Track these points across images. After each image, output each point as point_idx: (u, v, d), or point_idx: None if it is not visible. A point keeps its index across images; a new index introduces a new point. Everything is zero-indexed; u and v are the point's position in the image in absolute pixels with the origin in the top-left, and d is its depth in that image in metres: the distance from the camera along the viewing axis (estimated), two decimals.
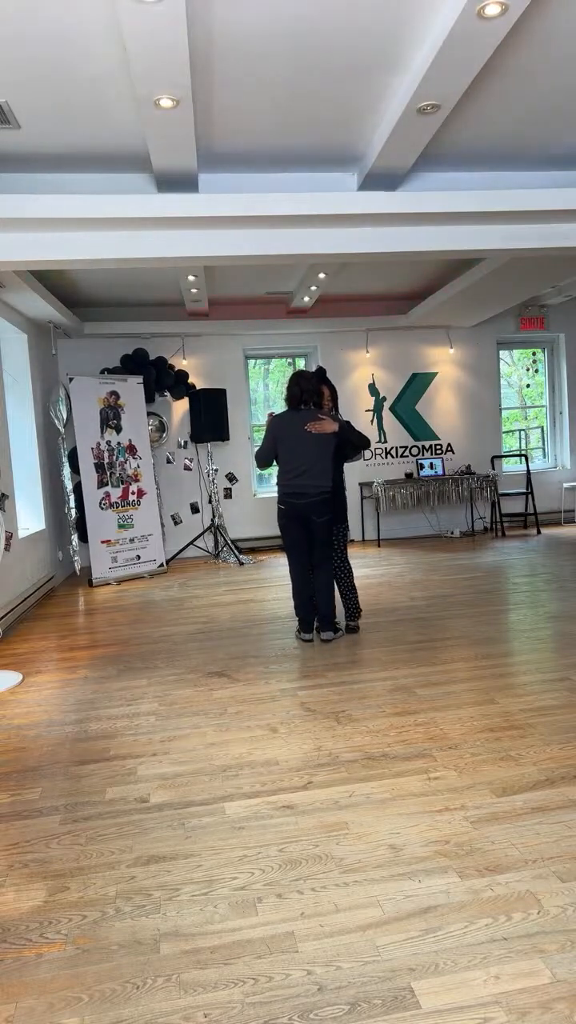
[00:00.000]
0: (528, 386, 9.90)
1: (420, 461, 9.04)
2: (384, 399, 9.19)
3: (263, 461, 4.62)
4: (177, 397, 8.45)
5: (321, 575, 4.56)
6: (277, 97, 3.70)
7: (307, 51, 3.30)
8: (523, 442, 9.87)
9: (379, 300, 8.77)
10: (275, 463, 4.65)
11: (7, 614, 5.37)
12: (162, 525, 7.95)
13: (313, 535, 4.52)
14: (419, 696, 3.49)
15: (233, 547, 8.14)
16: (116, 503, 7.39)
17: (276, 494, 4.78)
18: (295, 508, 4.48)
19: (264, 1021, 1.58)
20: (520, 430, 9.89)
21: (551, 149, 4.54)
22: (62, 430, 7.53)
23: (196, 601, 6.11)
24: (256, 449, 4.61)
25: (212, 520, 8.43)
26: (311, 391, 4.52)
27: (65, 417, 7.39)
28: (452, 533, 9.19)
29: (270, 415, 4.63)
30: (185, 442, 8.70)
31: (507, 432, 9.79)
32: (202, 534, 8.60)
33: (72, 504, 7.48)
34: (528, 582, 6.02)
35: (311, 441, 4.44)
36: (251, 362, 9.18)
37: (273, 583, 6.69)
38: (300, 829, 2.35)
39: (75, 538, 7.53)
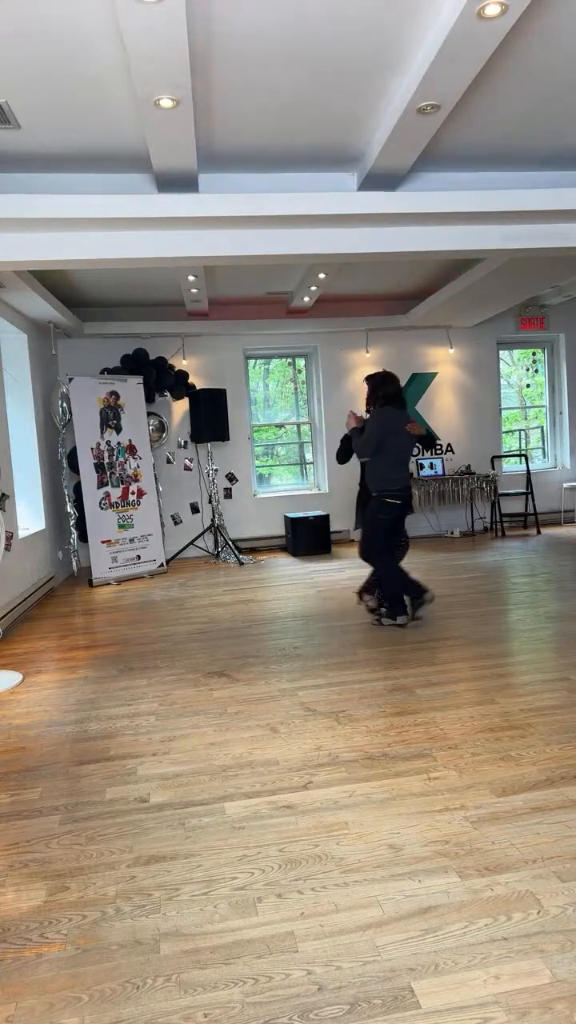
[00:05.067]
0: (528, 386, 9.89)
1: (420, 461, 9.04)
2: None
3: (368, 452, 4.73)
4: (177, 397, 8.44)
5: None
6: (277, 97, 3.70)
7: (307, 51, 3.30)
8: (523, 442, 9.87)
9: (379, 300, 8.76)
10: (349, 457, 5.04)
11: (7, 614, 5.37)
12: (162, 525, 7.95)
13: (402, 527, 4.91)
14: (419, 696, 3.49)
15: (233, 547, 8.14)
16: (116, 503, 7.39)
17: (359, 490, 5.13)
18: (403, 503, 4.75)
19: (264, 1021, 1.58)
20: (520, 430, 9.89)
21: (551, 149, 4.54)
22: (62, 430, 7.54)
23: (196, 601, 6.11)
24: (358, 441, 4.84)
25: (212, 520, 8.43)
26: (401, 393, 4.86)
27: (66, 417, 7.40)
28: (452, 533, 9.19)
29: (378, 410, 4.78)
30: (185, 442, 8.70)
31: (507, 432, 9.79)
32: (202, 534, 8.60)
33: (71, 504, 7.49)
34: (528, 582, 6.02)
35: (409, 440, 4.76)
36: (251, 362, 9.18)
37: (273, 583, 6.69)
38: (300, 829, 2.35)
39: (74, 538, 7.54)
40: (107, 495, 7.32)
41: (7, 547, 5.29)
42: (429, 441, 5.01)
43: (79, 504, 7.35)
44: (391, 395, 4.78)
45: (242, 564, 7.90)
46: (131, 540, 7.45)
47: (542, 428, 9.89)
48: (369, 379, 4.96)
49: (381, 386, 4.80)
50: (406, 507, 4.81)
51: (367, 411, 4.93)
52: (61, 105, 3.66)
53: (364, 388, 8.87)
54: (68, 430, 7.54)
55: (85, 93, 3.57)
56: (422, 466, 9.00)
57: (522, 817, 2.33)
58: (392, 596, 4.83)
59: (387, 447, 4.69)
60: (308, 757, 2.89)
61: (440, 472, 9.03)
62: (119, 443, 7.47)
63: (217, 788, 2.68)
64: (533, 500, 9.21)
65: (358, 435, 4.79)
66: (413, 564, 7.22)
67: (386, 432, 4.68)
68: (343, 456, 5.13)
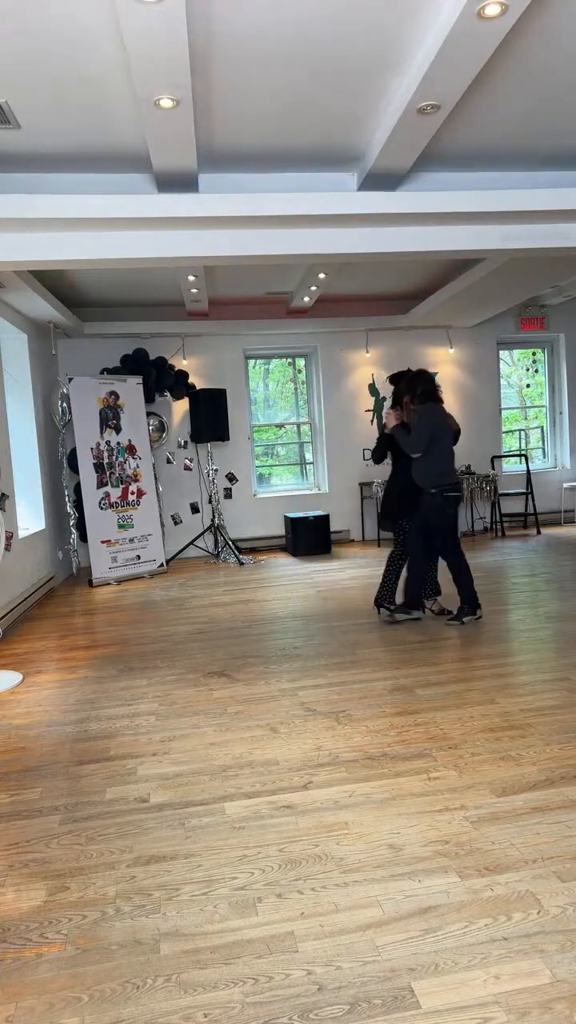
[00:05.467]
0: (528, 386, 9.89)
1: None
2: (384, 399, 9.18)
3: (420, 448, 4.72)
4: (177, 397, 8.45)
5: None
6: (277, 97, 3.70)
7: (307, 51, 3.30)
8: (523, 442, 9.87)
9: (379, 300, 8.76)
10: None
11: (7, 614, 5.37)
12: (162, 525, 7.95)
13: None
14: (419, 696, 3.49)
15: (233, 547, 8.14)
16: (116, 503, 7.39)
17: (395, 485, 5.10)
18: (461, 495, 4.84)
19: (264, 1021, 1.58)
20: (520, 430, 9.89)
21: (551, 149, 4.54)
22: (62, 430, 7.54)
23: (196, 601, 6.10)
24: (407, 438, 4.81)
25: (212, 520, 8.43)
26: (437, 388, 4.92)
27: (66, 417, 7.40)
28: None
29: (423, 406, 4.77)
30: (185, 442, 8.70)
31: (507, 432, 9.79)
32: (202, 534, 8.60)
33: (71, 504, 7.49)
34: (528, 582, 6.02)
35: (451, 434, 4.84)
36: (251, 362, 9.18)
37: (273, 583, 6.69)
38: (300, 829, 2.35)
39: (74, 538, 7.54)
40: (107, 495, 7.32)
41: (7, 547, 5.29)
42: (456, 437, 5.05)
43: (79, 504, 7.35)
44: (430, 391, 4.81)
45: (242, 564, 7.90)
46: (131, 540, 7.45)
47: (542, 428, 9.89)
48: (396, 378, 5.00)
49: (418, 383, 4.82)
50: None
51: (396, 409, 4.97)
52: (61, 105, 3.66)
53: (362, 388, 9.00)
54: (68, 430, 7.54)
55: (85, 93, 3.57)
56: None
57: (522, 817, 2.33)
58: (417, 591, 4.86)
59: (438, 442, 4.72)
60: (308, 757, 2.89)
61: None
62: (119, 443, 7.47)
63: (217, 788, 2.68)
64: (533, 500, 9.21)
65: (402, 432, 4.78)
66: None
67: (436, 427, 4.72)
68: (380, 455, 5.11)
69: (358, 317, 8.76)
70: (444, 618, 4.93)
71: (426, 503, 4.78)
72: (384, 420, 4.91)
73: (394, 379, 5.05)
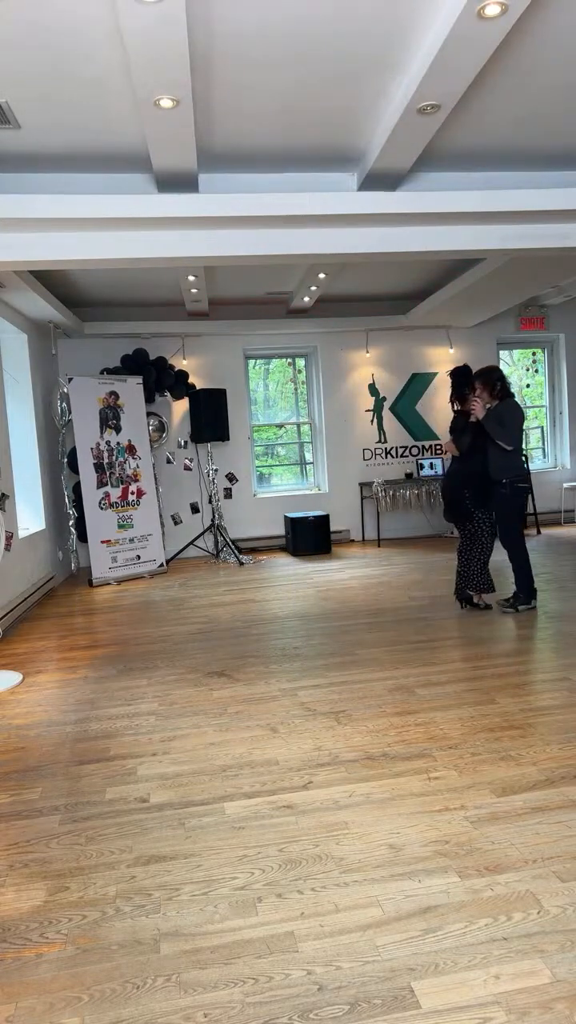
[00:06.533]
0: (528, 386, 9.89)
1: (420, 461, 9.04)
2: (384, 399, 9.18)
3: (514, 443, 4.83)
4: (177, 397, 8.45)
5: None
6: (277, 97, 3.70)
7: (307, 51, 3.29)
8: (523, 442, 9.86)
9: (379, 300, 8.76)
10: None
11: (7, 614, 5.37)
12: (162, 525, 7.94)
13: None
14: (419, 696, 3.49)
15: (233, 547, 8.14)
16: (116, 503, 7.39)
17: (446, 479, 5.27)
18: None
19: (264, 1021, 1.58)
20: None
21: (551, 149, 4.54)
22: (62, 430, 7.54)
23: (196, 601, 6.10)
24: (504, 433, 4.87)
25: (212, 520, 8.43)
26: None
27: (65, 417, 7.40)
28: (452, 533, 9.17)
29: (506, 402, 4.89)
30: (185, 442, 8.70)
31: None
32: (202, 534, 8.59)
33: (71, 504, 7.50)
34: None
35: None
36: (251, 362, 9.18)
37: (273, 583, 6.69)
38: (300, 829, 2.35)
39: (74, 538, 7.55)
40: (107, 495, 7.32)
41: (7, 547, 5.29)
42: None
43: (79, 504, 7.35)
44: (507, 387, 4.93)
45: (242, 564, 7.90)
46: (131, 540, 7.45)
47: (542, 428, 9.89)
48: (459, 373, 5.06)
49: (495, 378, 4.91)
50: None
51: (453, 406, 5.06)
52: (62, 105, 3.66)
53: (362, 388, 9.00)
54: (68, 430, 7.54)
55: (85, 93, 3.57)
56: (422, 466, 9.00)
57: (522, 817, 2.33)
58: (529, 581, 4.94)
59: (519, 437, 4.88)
60: (308, 757, 2.89)
61: (440, 472, 9.02)
62: (119, 443, 7.47)
63: (217, 788, 2.68)
64: (533, 500, 9.19)
65: (496, 426, 4.80)
66: (414, 564, 7.22)
67: (521, 422, 4.84)
68: (467, 444, 5.02)
69: (358, 317, 8.76)
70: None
71: (496, 493, 4.91)
72: (472, 409, 4.93)
73: (457, 374, 5.09)
